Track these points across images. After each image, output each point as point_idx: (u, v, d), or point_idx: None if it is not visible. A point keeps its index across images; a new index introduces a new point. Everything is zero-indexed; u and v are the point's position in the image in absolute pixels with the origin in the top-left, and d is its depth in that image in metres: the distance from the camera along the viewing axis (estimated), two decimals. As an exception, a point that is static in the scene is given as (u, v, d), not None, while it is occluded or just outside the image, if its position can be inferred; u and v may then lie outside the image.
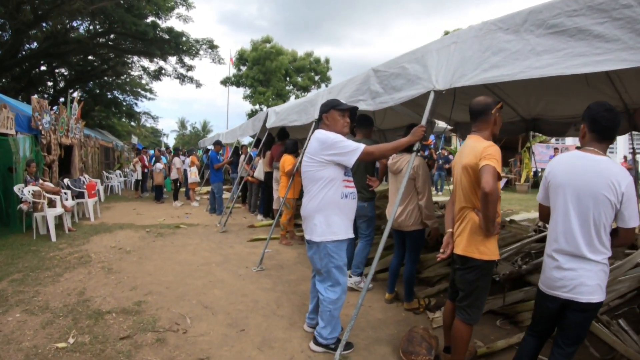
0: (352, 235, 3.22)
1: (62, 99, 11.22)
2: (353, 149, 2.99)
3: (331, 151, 3.00)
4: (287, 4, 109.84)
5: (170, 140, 65.50)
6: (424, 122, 3.08)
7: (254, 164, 9.60)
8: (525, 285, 4.34)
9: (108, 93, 27.92)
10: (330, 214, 3.07)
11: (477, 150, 2.53)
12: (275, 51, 30.78)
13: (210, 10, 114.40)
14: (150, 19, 19.36)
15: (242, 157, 10.90)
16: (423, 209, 3.86)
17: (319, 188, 3.06)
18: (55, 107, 10.51)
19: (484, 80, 2.67)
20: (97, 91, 27.18)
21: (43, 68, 23.46)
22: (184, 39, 20.97)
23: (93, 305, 4.31)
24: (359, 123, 4.96)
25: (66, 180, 9.55)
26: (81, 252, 6.41)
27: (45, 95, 24.07)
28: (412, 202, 3.91)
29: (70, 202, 8.77)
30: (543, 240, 6.16)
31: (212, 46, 22.57)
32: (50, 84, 25.37)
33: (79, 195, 9.47)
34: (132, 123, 39.90)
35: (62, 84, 25.96)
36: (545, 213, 2.45)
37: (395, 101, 3.65)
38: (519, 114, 5.78)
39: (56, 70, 24.96)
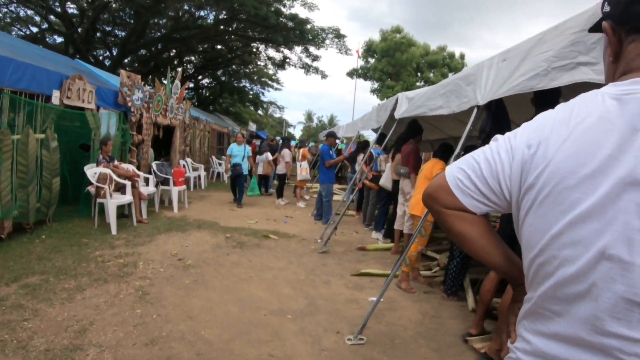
0: None
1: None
2: None
3: None
4: (418, 3, 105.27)
5: (297, 132, 66.42)
6: None
7: (374, 165, 7.44)
8: None
9: (235, 81, 28.46)
10: None
11: None
12: (406, 42, 27.80)
13: (341, 7, 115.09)
14: (273, 7, 18.41)
15: (362, 155, 8.86)
16: None
17: None
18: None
19: None
20: (223, 78, 27.56)
21: (172, 54, 23.97)
22: (308, 26, 19.71)
23: (79, 363, 2.56)
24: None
25: (154, 164, 8.31)
26: (131, 257, 4.85)
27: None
28: None
29: (149, 189, 7.46)
30: None
31: (338, 35, 21.01)
32: (179, 70, 25.87)
33: (164, 181, 8.17)
34: (260, 112, 40.88)
35: (191, 71, 26.76)
36: None
37: None
38: None
39: (185, 58, 25.53)
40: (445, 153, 4.84)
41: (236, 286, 4.25)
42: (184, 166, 10.97)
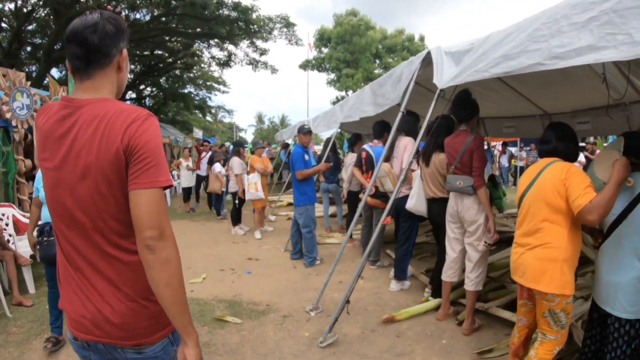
0: None
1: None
2: None
3: None
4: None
5: (249, 136, 62.86)
6: None
7: (378, 174, 4.96)
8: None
9: (179, 87, 26.25)
10: None
11: None
12: (364, 25, 25.56)
13: (286, 4, 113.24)
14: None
15: (349, 156, 6.43)
16: None
17: None
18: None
19: None
20: (166, 86, 25.52)
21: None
22: (254, 15, 17.29)
23: None
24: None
25: None
26: None
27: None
28: None
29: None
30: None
31: (287, 24, 18.74)
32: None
33: None
34: (208, 118, 38.09)
35: (131, 79, 23.98)
36: None
37: None
38: None
39: (123, 66, 22.77)
40: (576, 146, 2.44)
41: None
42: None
